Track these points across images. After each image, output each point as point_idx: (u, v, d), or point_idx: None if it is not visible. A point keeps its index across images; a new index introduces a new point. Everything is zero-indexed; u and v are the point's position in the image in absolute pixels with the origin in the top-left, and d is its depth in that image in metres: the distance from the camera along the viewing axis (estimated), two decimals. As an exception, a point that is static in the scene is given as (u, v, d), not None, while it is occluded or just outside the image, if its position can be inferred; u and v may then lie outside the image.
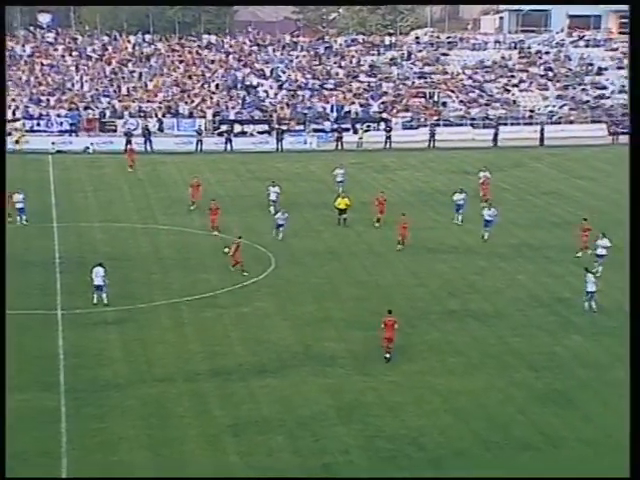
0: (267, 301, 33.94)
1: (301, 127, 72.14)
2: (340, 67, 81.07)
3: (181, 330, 30.92)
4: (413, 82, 79.29)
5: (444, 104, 76.61)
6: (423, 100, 76.87)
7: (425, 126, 71.95)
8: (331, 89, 77.65)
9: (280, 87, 77.56)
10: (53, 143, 65.07)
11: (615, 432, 23.52)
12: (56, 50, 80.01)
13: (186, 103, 73.50)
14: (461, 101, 77.06)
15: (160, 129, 70.59)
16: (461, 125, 73.97)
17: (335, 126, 71.45)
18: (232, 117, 72.49)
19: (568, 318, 31.94)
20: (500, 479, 20.07)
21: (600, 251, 36.03)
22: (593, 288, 32.16)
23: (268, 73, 79.53)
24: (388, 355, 28.12)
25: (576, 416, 24.44)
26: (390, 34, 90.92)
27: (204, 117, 71.84)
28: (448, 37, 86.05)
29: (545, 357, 28.48)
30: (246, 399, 25.54)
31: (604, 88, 78.47)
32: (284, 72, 79.84)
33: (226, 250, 36.85)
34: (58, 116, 69.11)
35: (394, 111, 74.93)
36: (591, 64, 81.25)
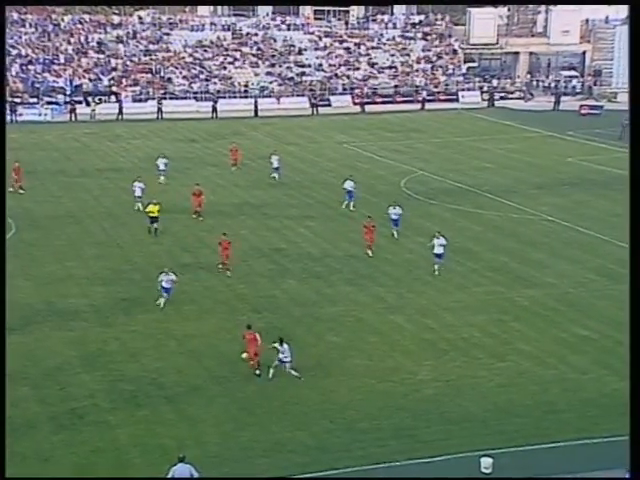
0: (9, 263, 31.50)
1: (35, 100, 68.13)
2: (69, 44, 77.04)
3: None
4: (139, 59, 77.24)
5: (169, 79, 75.53)
6: (150, 75, 75.31)
7: (153, 99, 70.77)
8: (62, 64, 73.74)
9: (11, 62, 72.29)
10: None
11: (323, 359, 24.60)
12: None
13: None
14: (184, 77, 76.26)
15: None
16: (185, 98, 73.31)
17: (68, 99, 68.41)
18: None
19: (284, 265, 32.83)
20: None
21: (437, 250, 31.05)
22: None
23: (-3, 48, 73.76)
24: (258, 372, 23.06)
25: (293, 348, 25.25)
26: (115, 14, 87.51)
27: None
28: (169, 18, 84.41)
29: (266, 300, 29.13)
30: (-8, 357, 23.85)
31: (304, 66, 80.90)
32: (14, 47, 74.48)
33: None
34: None
35: (123, 85, 72.79)
36: (293, 45, 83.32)
